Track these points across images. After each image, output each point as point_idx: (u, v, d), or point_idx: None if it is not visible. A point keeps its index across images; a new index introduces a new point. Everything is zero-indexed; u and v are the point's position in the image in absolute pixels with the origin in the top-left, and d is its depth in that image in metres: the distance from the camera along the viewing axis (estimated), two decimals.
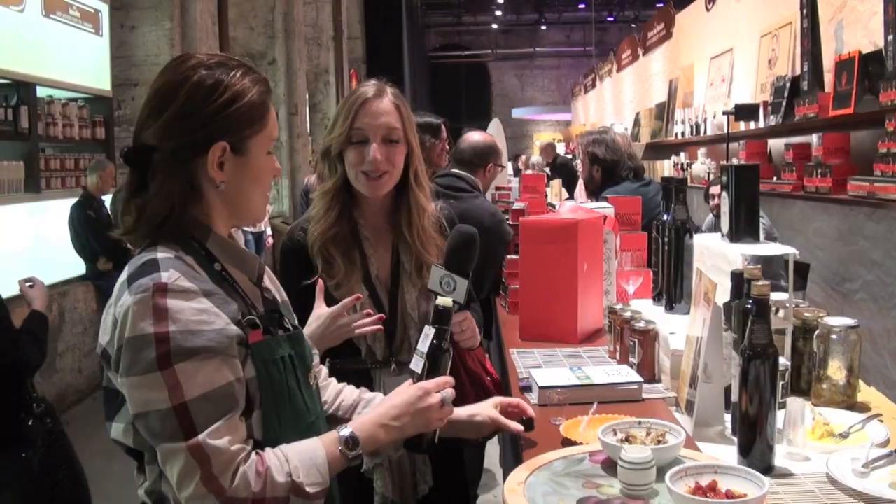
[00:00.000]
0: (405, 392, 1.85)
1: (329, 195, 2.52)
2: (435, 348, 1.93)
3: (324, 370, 2.14)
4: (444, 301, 1.99)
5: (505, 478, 1.95)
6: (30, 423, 3.21)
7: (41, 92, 7.01)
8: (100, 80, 8.01)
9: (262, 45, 12.91)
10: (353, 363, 2.44)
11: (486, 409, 2.19)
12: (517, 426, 2.17)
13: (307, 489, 1.61)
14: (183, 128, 1.66)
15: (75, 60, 7.49)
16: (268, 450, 1.63)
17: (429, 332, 1.95)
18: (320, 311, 2.32)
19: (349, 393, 2.11)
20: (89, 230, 6.93)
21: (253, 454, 1.60)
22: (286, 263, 2.60)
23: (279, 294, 1.92)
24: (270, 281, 1.91)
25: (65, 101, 7.42)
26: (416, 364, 1.93)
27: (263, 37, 12.91)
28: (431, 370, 1.91)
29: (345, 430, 1.73)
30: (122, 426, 1.66)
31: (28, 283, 3.69)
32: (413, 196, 2.48)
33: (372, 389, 2.25)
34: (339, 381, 2.18)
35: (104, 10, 8.15)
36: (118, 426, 1.68)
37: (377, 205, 2.51)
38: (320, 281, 2.38)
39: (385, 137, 2.42)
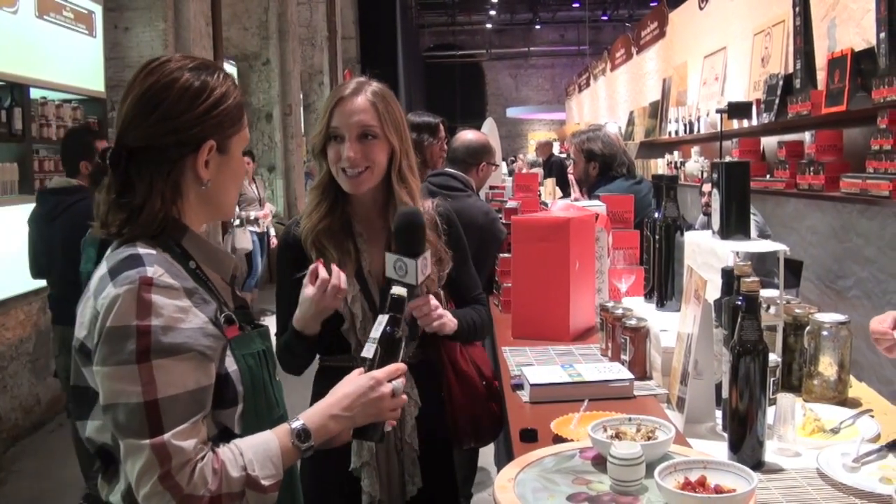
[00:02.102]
0: (356, 381, 1.83)
1: (318, 189, 2.54)
2: (387, 335, 1.92)
3: None
4: (397, 290, 2.00)
5: (497, 476, 1.95)
6: None
7: (35, 93, 6.99)
8: (93, 81, 7.99)
9: (256, 45, 12.89)
10: (343, 360, 2.44)
11: None
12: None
13: (262, 482, 1.62)
14: (173, 128, 1.69)
15: (69, 62, 7.47)
16: (222, 445, 1.64)
17: (382, 319, 1.95)
18: (307, 291, 2.30)
19: None
20: None
21: (209, 452, 1.60)
22: (282, 258, 2.62)
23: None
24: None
25: (59, 102, 7.40)
26: (368, 351, 1.92)
27: (257, 37, 12.89)
28: (384, 358, 1.89)
29: (296, 423, 1.73)
30: (99, 423, 1.66)
31: None
32: (397, 194, 2.48)
33: None
34: (329, 378, 2.18)
35: (98, 11, 8.12)
36: (93, 424, 1.68)
37: (367, 201, 2.51)
38: (316, 264, 2.36)
39: (360, 135, 2.42)
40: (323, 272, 2.29)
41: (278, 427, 1.72)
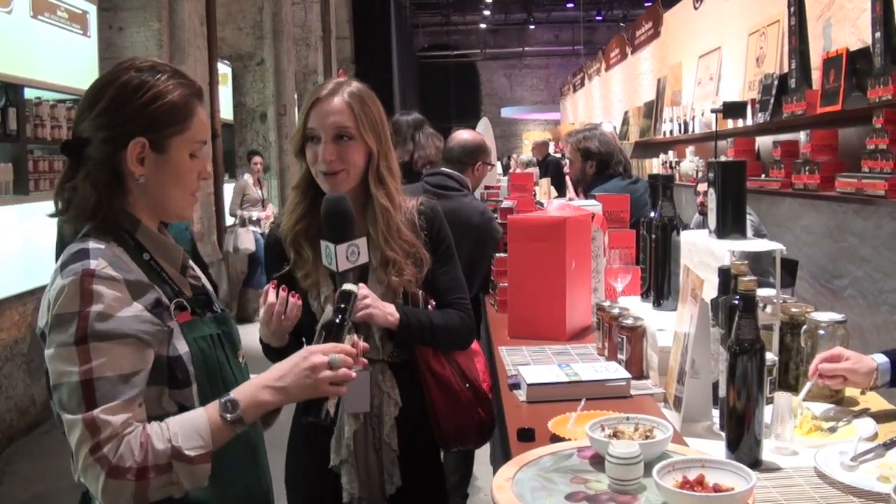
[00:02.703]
0: (291, 356, 1.86)
1: (298, 189, 2.55)
2: (328, 321, 1.95)
3: None
4: (348, 286, 2.01)
5: (495, 475, 1.95)
6: None
7: (29, 93, 6.98)
8: (88, 81, 7.92)
9: (251, 45, 12.86)
10: None
11: None
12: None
13: (187, 453, 1.67)
14: (109, 122, 1.82)
15: (63, 62, 7.45)
16: (152, 422, 1.71)
17: (328, 310, 1.99)
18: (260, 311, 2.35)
19: None
20: None
21: (138, 427, 1.68)
22: (267, 255, 2.65)
23: (207, 284, 2.05)
24: (196, 271, 2.04)
25: (53, 102, 7.38)
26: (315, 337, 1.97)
27: (252, 37, 12.86)
28: (327, 341, 1.90)
29: (225, 396, 1.77)
30: None
31: None
32: (374, 196, 2.45)
33: None
34: None
35: (92, 11, 8.11)
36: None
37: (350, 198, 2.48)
38: (267, 286, 2.38)
39: (336, 136, 2.41)
40: (272, 296, 2.32)
41: (211, 403, 1.78)
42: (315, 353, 1.83)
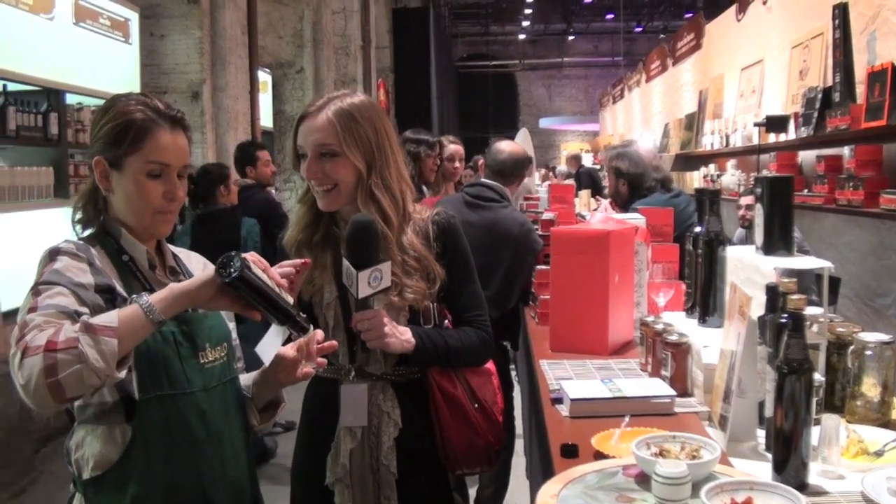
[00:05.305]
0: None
1: (302, 202, 2.54)
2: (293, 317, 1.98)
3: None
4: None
5: (531, 490, 1.94)
6: None
7: (70, 99, 7.05)
8: (129, 87, 8.02)
9: (291, 54, 12.93)
10: (330, 371, 2.44)
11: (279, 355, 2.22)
12: (308, 370, 2.22)
13: (93, 323, 1.78)
14: (89, 142, 2.14)
15: (105, 68, 7.52)
16: None
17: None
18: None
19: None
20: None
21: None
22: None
23: None
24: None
25: (94, 108, 7.45)
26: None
27: (292, 46, 12.93)
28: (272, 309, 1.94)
29: None
30: None
31: None
32: (369, 211, 2.37)
33: (337, 397, 2.43)
34: (318, 388, 2.53)
35: (134, 18, 8.18)
36: None
37: (347, 214, 2.43)
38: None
39: (319, 154, 2.38)
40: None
41: None
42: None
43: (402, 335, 2.37)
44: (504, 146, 4.73)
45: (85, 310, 1.89)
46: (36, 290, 1.91)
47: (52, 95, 6.71)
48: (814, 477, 2.04)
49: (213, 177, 6.18)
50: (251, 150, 7.25)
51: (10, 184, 6.08)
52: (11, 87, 6.22)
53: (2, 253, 5.64)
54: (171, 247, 2.27)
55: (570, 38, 33.82)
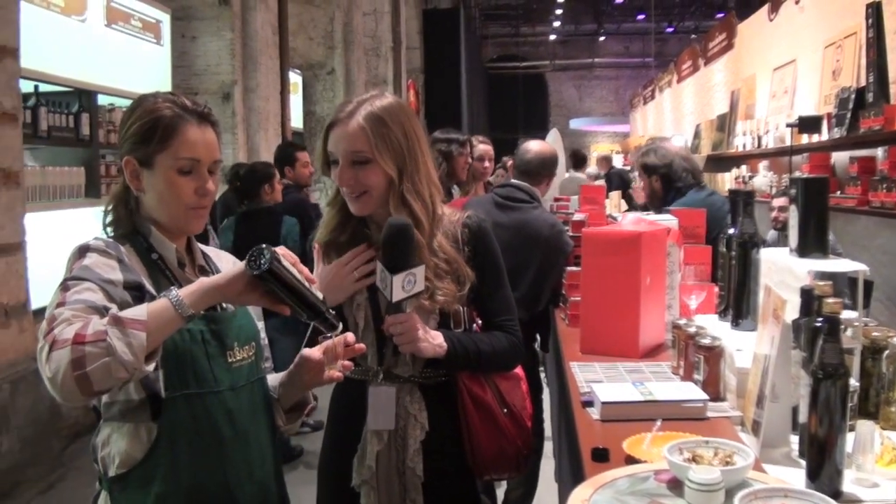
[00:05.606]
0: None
1: (331, 205, 2.53)
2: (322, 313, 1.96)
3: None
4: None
5: (560, 494, 1.92)
6: None
7: (102, 100, 7.11)
8: (160, 88, 8.08)
9: (322, 55, 12.99)
10: (358, 373, 2.41)
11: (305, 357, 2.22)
12: (337, 374, 2.19)
13: (122, 316, 1.78)
14: (119, 144, 2.15)
15: (136, 69, 7.58)
16: None
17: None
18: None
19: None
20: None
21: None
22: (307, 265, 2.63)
23: None
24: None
25: (125, 108, 7.53)
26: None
27: (323, 47, 12.99)
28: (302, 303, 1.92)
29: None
30: None
31: None
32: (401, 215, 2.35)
33: (364, 398, 2.41)
34: (346, 390, 2.45)
35: (166, 20, 8.24)
36: None
37: (379, 218, 2.42)
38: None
39: (351, 161, 2.36)
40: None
41: None
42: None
43: (434, 339, 2.35)
44: (531, 146, 4.71)
45: (113, 306, 1.87)
46: (65, 286, 1.90)
47: (83, 96, 6.77)
48: (848, 484, 2.00)
49: (259, 175, 6.23)
50: (290, 150, 7.30)
51: (42, 183, 6.14)
52: (43, 88, 6.29)
53: (33, 252, 5.68)
54: (202, 245, 2.27)
55: (601, 38, 33.76)
